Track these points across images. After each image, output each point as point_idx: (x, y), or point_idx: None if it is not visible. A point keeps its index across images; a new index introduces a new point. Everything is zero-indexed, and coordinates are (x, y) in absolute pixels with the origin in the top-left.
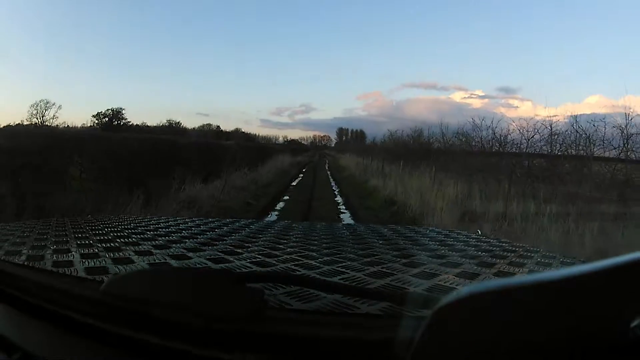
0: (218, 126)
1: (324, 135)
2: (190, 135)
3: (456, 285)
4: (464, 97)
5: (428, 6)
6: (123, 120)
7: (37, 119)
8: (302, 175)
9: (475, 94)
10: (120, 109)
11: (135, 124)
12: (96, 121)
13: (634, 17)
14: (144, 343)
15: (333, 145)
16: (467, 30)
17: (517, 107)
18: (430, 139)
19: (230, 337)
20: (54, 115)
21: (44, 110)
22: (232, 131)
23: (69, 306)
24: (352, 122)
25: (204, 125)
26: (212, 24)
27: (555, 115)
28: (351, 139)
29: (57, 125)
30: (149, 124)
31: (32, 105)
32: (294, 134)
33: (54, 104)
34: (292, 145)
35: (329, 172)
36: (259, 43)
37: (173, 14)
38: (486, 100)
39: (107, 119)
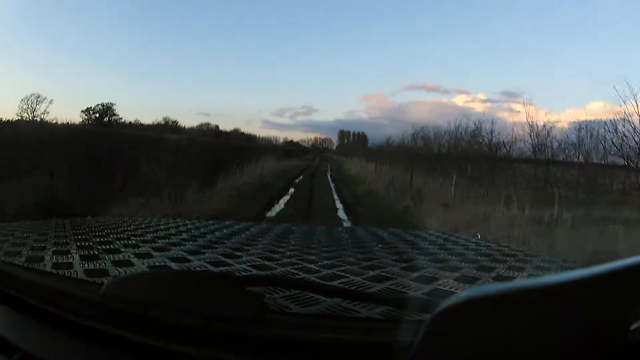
0: (217, 126)
1: (325, 138)
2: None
3: (455, 289)
4: (467, 101)
5: (431, 8)
6: (114, 117)
7: (27, 113)
8: (290, 192)
9: (477, 98)
10: (111, 104)
11: (129, 121)
12: (85, 117)
13: (636, 24)
14: (143, 345)
15: (334, 147)
16: (470, 33)
17: (520, 111)
18: (496, 138)
19: (230, 341)
20: (45, 110)
21: (35, 105)
22: (231, 131)
23: (69, 308)
24: (354, 125)
25: (202, 124)
26: (213, 24)
27: (558, 121)
28: (353, 142)
29: (55, 121)
30: (144, 122)
31: (23, 100)
32: (296, 136)
33: (44, 99)
34: (290, 147)
35: (332, 186)
36: (261, 43)
37: (173, 12)
38: (488, 104)
39: (97, 114)
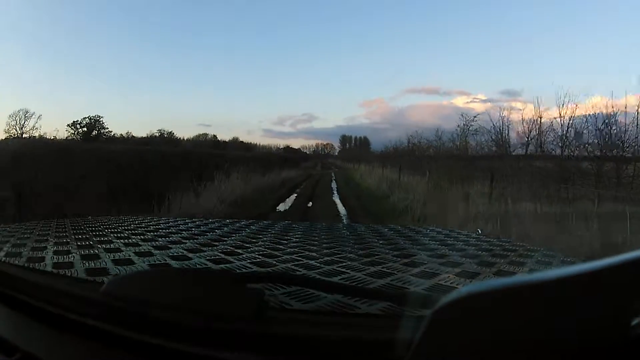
0: (214, 135)
1: (327, 144)
2: (185, 146)
3: (456, 284)
4: (467, 102)
5: (427, 12)
6: (103, 130)
7: (15, 130)
8: None
9: (477, 98)
10: (99, 116)
11: (120, 134)
12: (72, 131)
13: (634, 18)
14: (145, 344)
15: (337, 153)
16: (468, 34)
17: (520, 110)
18: None
19: (230, 338)
20: (33, 126)
21: (23, 121)
22: (229, 140)
23: (69, 307)
24: (355, 130)
25: (199, 134)
26: (212, 33)
27: (556, 117)
28: (355, 147)
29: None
30: (139, 135)
31: (11, 116)
32: (297, 143)
33: (33, 114)
34: (287, 154)
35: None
36: (260, 53)
37: (169, 22)
38: (488, 104)
39: (85, 128)
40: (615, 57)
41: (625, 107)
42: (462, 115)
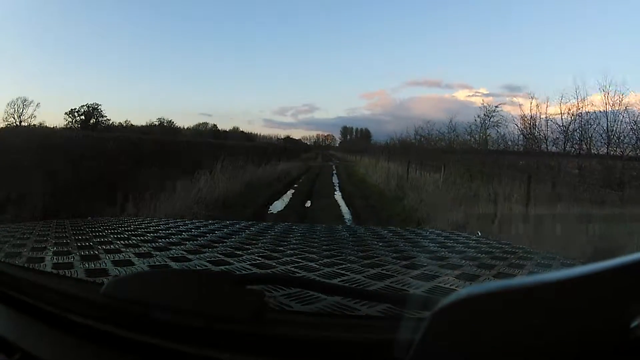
0: (215, 125)
1: (328, 135)
2: (184, 135)
3: (456, 287)
4: (468, 95)
5: (431, 4)
6: (101, 118)
7: (14, 118)
8: None
9: (479, 92)
10: (97, 104)
11: (119, 122)
12: (70, 119)
13: (636, 16)
14: (144, 345)
15: (337, 144)
16: (471, 27)
17: (522, 105)
18: None
19: (230, 339)
20: (32, 114)
21: (22, 109)
22: (230, 130)
23: (69, 308)
24: (356, 121)
25: (199, 124)
26: (213, 23)
27: (558, 114)
28: (356, 138)
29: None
30: (138, 123)
31: (9, 104)
32: (298, 134)
33: (31, 102)
34: (288, 144)
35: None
36: (262, 43)
37: (170, 12)
38: (490, 98)
39: (83, 117)
40: (615, 55)
41: None
42: (482, 104)
